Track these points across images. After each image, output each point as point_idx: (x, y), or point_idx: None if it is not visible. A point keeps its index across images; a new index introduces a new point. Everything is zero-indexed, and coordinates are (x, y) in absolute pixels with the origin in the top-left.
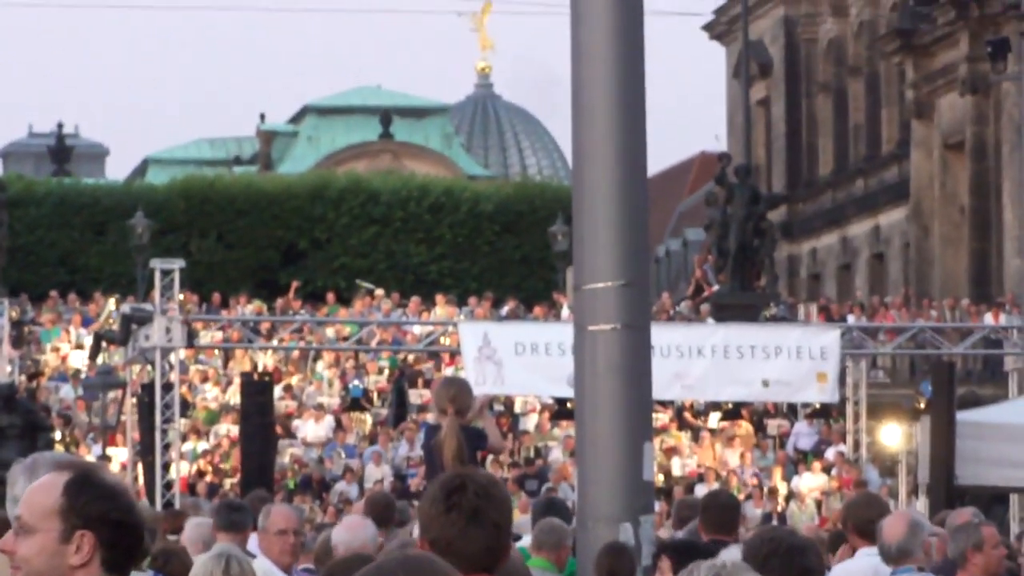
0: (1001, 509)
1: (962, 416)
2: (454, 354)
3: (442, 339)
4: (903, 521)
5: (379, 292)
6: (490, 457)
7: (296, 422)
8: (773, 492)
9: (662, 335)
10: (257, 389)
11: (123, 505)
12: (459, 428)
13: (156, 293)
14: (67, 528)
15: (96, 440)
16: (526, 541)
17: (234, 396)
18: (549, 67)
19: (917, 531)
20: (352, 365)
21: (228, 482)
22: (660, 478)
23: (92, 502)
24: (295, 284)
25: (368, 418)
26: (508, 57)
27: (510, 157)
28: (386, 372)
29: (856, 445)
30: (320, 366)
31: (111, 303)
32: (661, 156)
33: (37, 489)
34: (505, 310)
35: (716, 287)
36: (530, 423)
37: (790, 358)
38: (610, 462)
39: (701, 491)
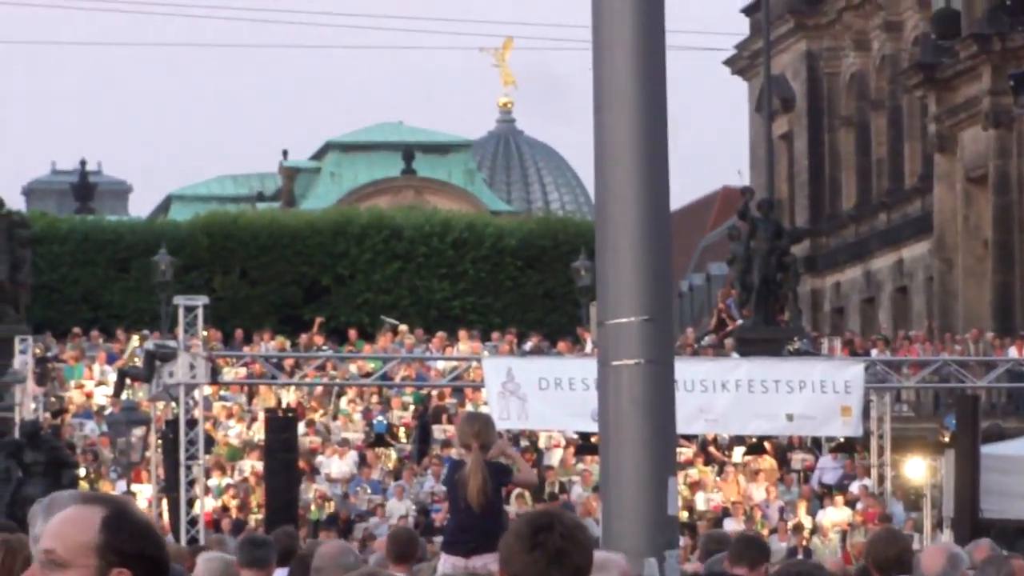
0: None
1: (986, 449)
2: (478, 389)
3: (466, 374)
4: (942, 554)
5: (402, 328)
6: (515, 491)
7: (320, 458)
8: (798, 526)
9: (686, 370)
10: (281, 425)
11: (157, 542)
12: (484, 463)
13: (180, 329)
14: (103, 565)
15: (120, 476)
16: None
17: (258, 432)
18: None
19: (957, 564)
20: (376, 401)
21: (253, 518)
22: (684, 513)
23: (129, 539)
24: (318, 320)
25: (393, 453)
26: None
27: (533, 192)
28: (410, 408)
29: (880, 479)
30: (344, 402)
31: (135, 340)
32: (684, 191)
33: (70, 522)
34: (528, 345)
35: (740, 321)
36: (554, 458)
37: (814, 392)
38: (634, 497)
39: (729, 525)
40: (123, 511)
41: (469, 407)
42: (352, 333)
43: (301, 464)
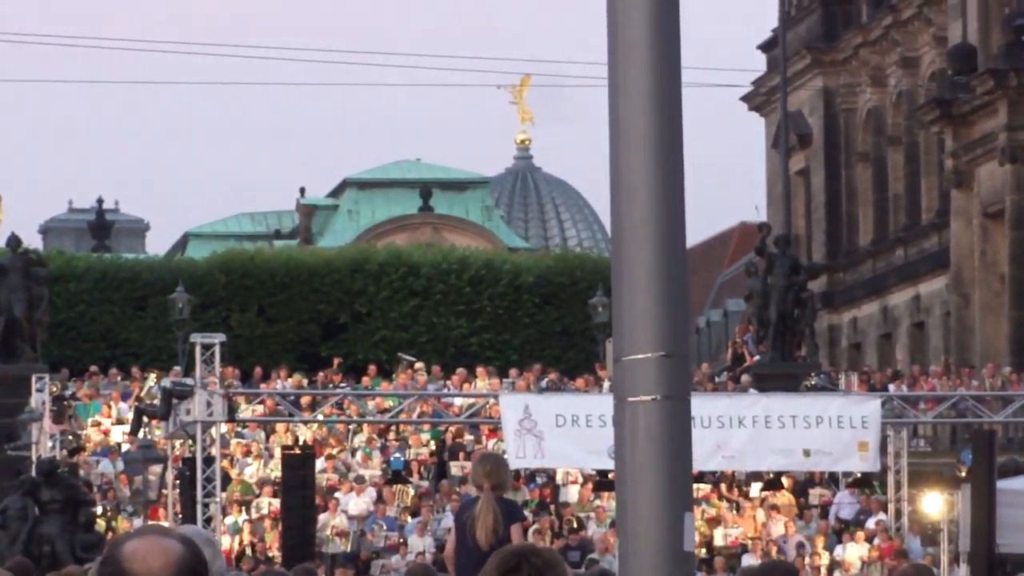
0: None
1: (1003, 484)
2: (495, 427)
3: (483, 411)
4: None
5: (419, 365)
6: (532, 528)
7: (338, 495)
8: (816, 562)
9: (703, 406)
10: (298, 462)
11: None
12: (495, 503)
13: (197, 367)
14: None
15: (138, 514)
16: None
17: (275, 470)
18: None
19: None
20: (393, 438)
21: (271, 555)
22: (702, 549)
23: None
24: (336, 361)
25: (410, 490)
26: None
27: (550, 229)
28: (428, 445)
29: (898, 514)
30: (361, 439)
31: (152, 378)
32: (701, 227)
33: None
34: (545, 381)
35: (757, 357)
36: (571, 494)
37: (831, 427)
38: (651, 533)
39: (747, 561)
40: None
41: (489, 444)
42: (371, 369)
43: (319, 501)
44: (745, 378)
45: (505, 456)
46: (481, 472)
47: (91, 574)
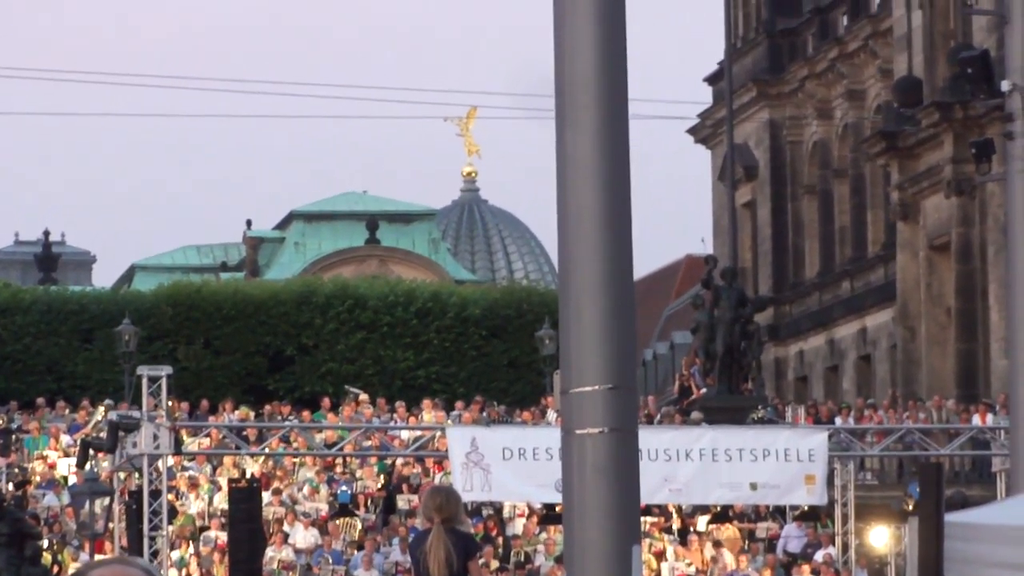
0: None
1: (950, 518)
2: (442, 459)
3: (430, 444)
4: None
5: (363, 397)
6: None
7: (284, 528)
8: None
9: (650, 438)
10: (245, 495)
11: None
12: (446, 536)
13: (144, 400)
14: None
15: (83, 547)
16: None
17: (222, 502)
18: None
19: None
20: (340, 471)
21: None
22: None
23: None
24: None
25: (357, 523)
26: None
27: (497, 261)
28: (375, 478)
29: (845, 547)
30: (308, 472)
31: (100, 411)
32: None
33: None
34: (485, 413)
35: (704, 390)
36: (518, 527)
37: (778, 460)
38: (599, 566)
39: None
40: None
41: (436, 477)
42: (325, 402)
43: (265, 534)
44: (696, 414)
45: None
46: (432, 505)
47: None
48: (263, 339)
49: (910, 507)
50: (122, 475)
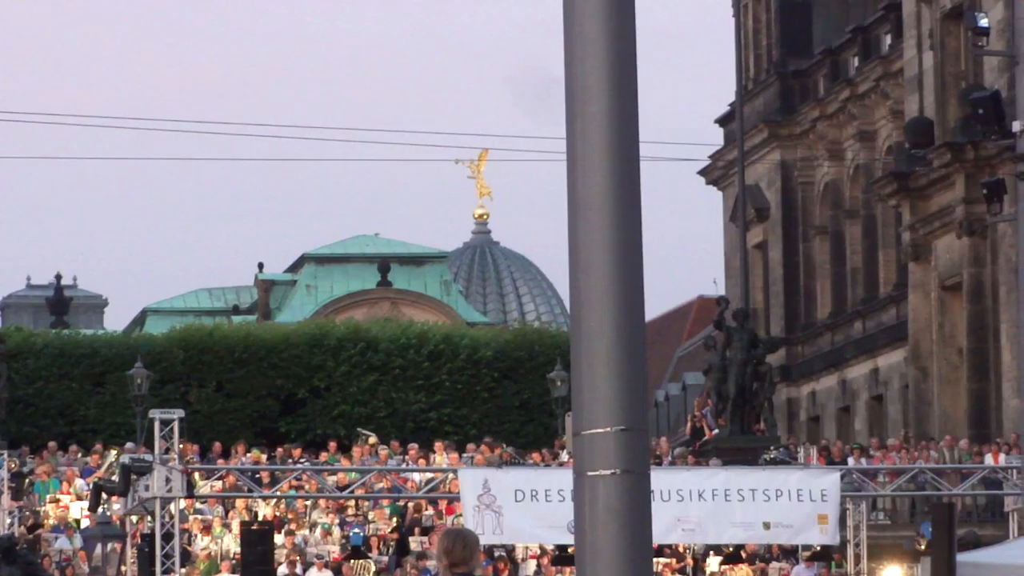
0: None
1: (962, 557)
2: (453, 501)
3: (442, 486)
4: None
5: (373, 439)
6: None
7: (297, 570)
8: None
9: (663, 479)
10: (257, 538)
11: None
12: None
13: (156, 443)
14: None
15: None
16: None
17: (235, 545)
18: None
19: None
20: (353, 513)
21: None
22: None
23: None
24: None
25: (371, 565)
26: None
27: (509, 303)
28: (387, 520)
29: None
30: (321, 514)
31: (112, 454)
32: (659, 300)
33: None
34: (497, 454)
35: (716, 431)
36: (530, 569)
37: (791, 500)
38: None
39: None
40: None
41: (448, 519)
42: (331, 445)
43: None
44: (714, 460)
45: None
46: (440, 548)
47: None
48: (275, 382)
49: (923, 547)
50: (134, 518)
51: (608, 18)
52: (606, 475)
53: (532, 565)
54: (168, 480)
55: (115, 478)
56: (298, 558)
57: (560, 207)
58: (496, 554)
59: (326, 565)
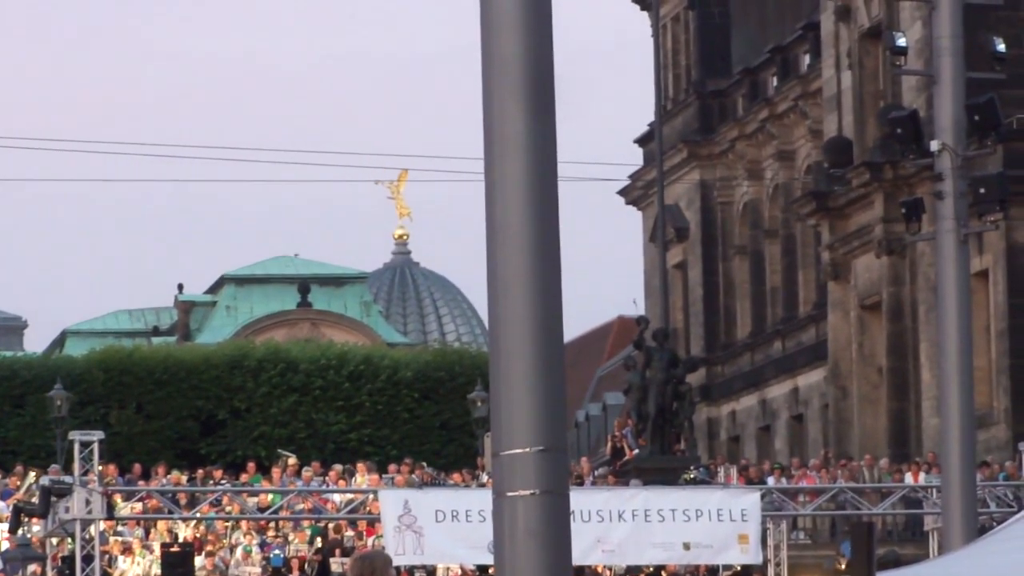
0: None
1: None
2: (374, 522)
3: (363, 507)
4: None
5: (292, 460)
6: None
7: None
8: None
9: (583, 500)
10: (178, 560)
11: None
12: None
13: (76, 465)
14: None
15: None
16: None
17: (155, 567)
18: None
19: None
20: (273, 535)
21: None
22: None
23: None
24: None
25: None
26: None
27: (429, 324)
28: (308, 542)
29: None
30: (241, 536)
31: (32, 476)
32: (579, 320)
33: None
34: (416, 476)
35: (636, 451)
36: None
37: (711, 521)
38: None
39: None
40: None
41: (369, 541)
42: (250, 466)
43: None
44: (634, 481)
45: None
46: (352, 572)
47: None
48: (195, 403)
49: (843, 566)
50: (55, 540)
51: (525, 39)
52: (525, 495)
53: None
54: (88, 502)
55: (35, 500)
56: None
57: (480, 228)
58: (417, 575)
59: None
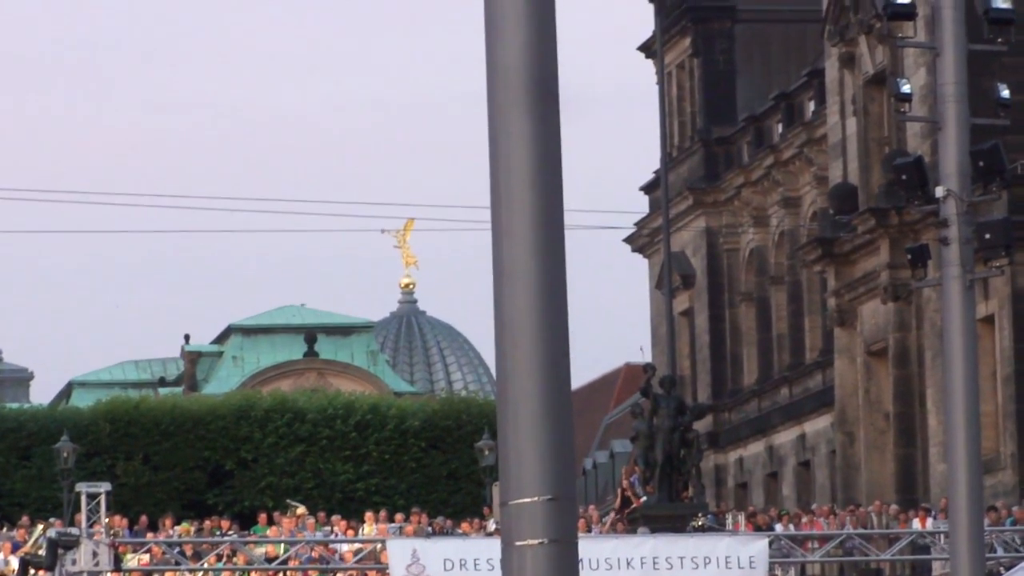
0: None
1: None
2: (384, 571)
3: (371, 556)
4: None
5: (301, 511)
6: None
7: None
8: None
9: (591, 548)
10: None
11: None
12: None
13: (82, 517)
14: None
15: None
16: None
17: None
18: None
19: None
20: None
21: None
22: None
23: None
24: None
25: None
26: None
27: (436, 373)
28: None
29: None
30: None
31: (39, 528)
32: (586, 368)
33: None
34: (428, 528)
35: (644, 498)
36: None
37: (719, 568)
38: None
39: None
40: None
41: None
42: (262, 518)
43: None
44: (642, 528)
45: None
46: None
47: None
48: (202, 454)
49: None
50: None
51: (531, 89)
52: (534, 544)
53: None
54: (95, 554)
55: (42, 552)
56: None
57: (487, 276)
58: None
59: None
